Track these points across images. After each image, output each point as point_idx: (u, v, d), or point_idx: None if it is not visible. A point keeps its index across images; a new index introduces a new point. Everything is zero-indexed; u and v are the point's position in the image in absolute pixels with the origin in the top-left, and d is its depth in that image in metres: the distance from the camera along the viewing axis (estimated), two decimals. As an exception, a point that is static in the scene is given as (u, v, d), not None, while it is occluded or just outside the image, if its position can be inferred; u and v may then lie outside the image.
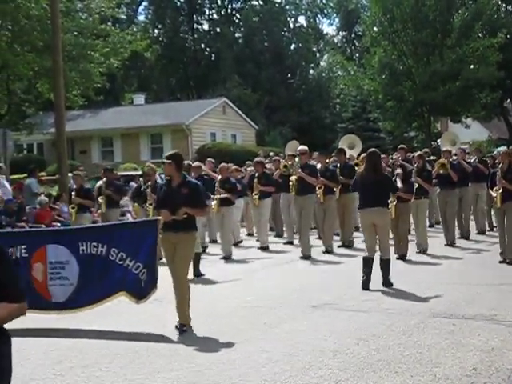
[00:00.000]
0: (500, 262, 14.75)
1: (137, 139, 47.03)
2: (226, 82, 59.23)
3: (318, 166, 18.10)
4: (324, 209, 17.79)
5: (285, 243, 19.76)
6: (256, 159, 20.24)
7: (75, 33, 30.83)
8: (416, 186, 16.64)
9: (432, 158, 23.14)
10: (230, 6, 72.80)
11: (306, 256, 16.59)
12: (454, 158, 19.62)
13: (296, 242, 18.78)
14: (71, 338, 9.65)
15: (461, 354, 8.05)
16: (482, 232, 20.14)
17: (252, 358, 8.20)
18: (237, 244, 19.96)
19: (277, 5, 69.47)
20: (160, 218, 10.06)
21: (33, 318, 9.16)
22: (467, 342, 8.51)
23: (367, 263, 12.27)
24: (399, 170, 16.56)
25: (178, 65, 70.08)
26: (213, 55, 69.83)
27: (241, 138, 50.41)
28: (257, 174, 19.48)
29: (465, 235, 19.27)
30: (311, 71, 69.04)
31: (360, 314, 10.30)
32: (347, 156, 19.97)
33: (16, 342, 9.29)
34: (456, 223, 18.92)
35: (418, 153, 18.52)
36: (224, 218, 17.74)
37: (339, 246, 18.22)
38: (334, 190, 18.01)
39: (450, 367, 7.56)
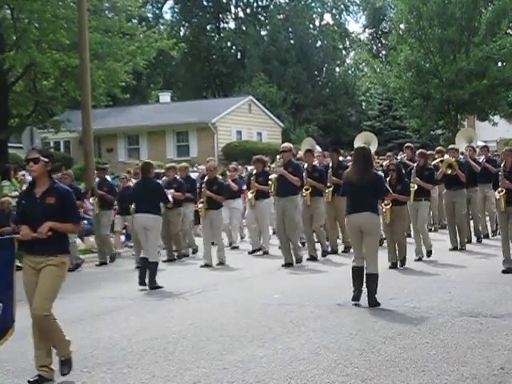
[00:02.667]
0: (503, 271, 13.29)
1: (163, 137, 47.18)
2: (251, 80, 59.21)
3: (305, 165, 16.81)
4: (311, 212, 16.58)
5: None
6: (256, 156, 18.63)
7: (101, 31, 30.93)
8: (415, 186, 15.56)
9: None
10: (255, 4, 72.78)
11: (299, 259, 15.59)
12: (461, 156, 18.41)
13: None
14: (96, 336, 9.71)
15: (488, 353, 8.00)
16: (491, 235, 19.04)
17: (278, 355, 8.21)
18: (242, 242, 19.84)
19: (302, 2, 69.35)
20: (18, 235, 7.65)
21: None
22: (495, 342, 8.46)
23: (356, 274, 10.97)
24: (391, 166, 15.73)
25: (203, 63, 70.17)
26: (238, 53, 69.84)
27: (267, 135, 50.43)
28: (254, 172, 18.01)
29: (470, 239, 18.12)
30: (337, 69, 68.84)
31: (386, 312, 10.28)
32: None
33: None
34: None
35: (420, 150, 17.07)
36: (213, 223, 16.64)
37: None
38: (324, 191, 16.95)
39: (478, 366, 7.52)
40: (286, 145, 16.37)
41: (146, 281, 13.56)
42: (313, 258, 16.22)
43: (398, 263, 14.54)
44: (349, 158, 20.52)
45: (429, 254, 15.65)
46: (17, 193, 21.37)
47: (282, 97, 58.67)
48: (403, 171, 15.29)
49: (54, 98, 33.34)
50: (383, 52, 73.40)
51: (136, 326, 10.13)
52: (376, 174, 11.46)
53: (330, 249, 17.21)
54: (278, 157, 16.07)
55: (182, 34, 70.47)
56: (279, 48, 63.18)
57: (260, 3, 72.69)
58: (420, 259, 15.36)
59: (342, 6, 73.73)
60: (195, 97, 62.82)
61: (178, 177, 18.42)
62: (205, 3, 71.87)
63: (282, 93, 58.77)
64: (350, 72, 68.75)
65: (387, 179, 14.29)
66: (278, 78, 61.01)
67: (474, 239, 18.48)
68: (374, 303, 10.70)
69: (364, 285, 10.95)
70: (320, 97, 63.72)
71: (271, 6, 70.09)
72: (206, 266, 16.23)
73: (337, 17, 73.05)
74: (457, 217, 17.18)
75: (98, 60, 29.69)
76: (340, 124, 61.26)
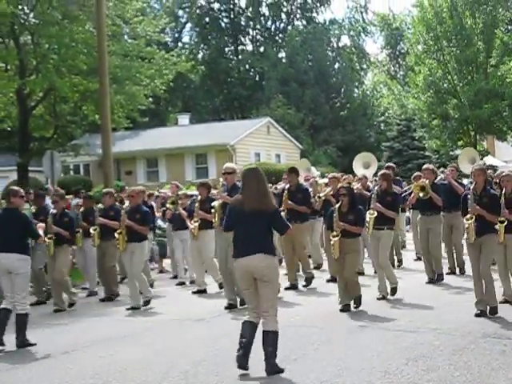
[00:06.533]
0: (477, 314, 11.15)
1: (181, 159, 47.30)
2: (270, 102, 59.36)
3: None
4: None
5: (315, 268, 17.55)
6: (201, 180, 16.50)
7: (120, 55, 31.15)
8: (375, 213, 13.46)
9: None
10: (273, 27, 73.18)
11: (243, 300, 12.52)
12: (442, 176, 16.56)
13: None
14: (117, 358, 9.72)
15: (512, 374, 7.94)
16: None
17: (300, 377, 8.18)
18: (183, 283, 17.41)
19: (320, 25, 69.62)
20: None
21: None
22: (518, 363, 8.40)
23: (247, 330, 8.60)
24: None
25: (222, 85, 70.50)
26: (257, 75, 70.14)
27: (285, 157, 50.45)
28: (199, 198, 15.43)
29: (454, 270, 16.10)
30: (355, 90, 68.93)
31: (408, 333, 10.20)
32: (360, 176, 17.68)
33: (65, 362, 9.41)
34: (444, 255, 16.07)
35: (382, 171, 14.74)
36: (134, 257, 14.15)
37: (303, 286, 15.25)
38: None
39: (502, 388, 7.48)
40: (230, 165, 13.62)
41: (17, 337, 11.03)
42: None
43: (352, 305, 12.38)
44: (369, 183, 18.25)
45: (393, 291, 13.41)
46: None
47: (301, 118, 58.75)
48: (356, 196, 13.18)
49: (74, 121, 33.62)
50: (401, 73, 73.45)
51: (157, 348, 10.13)
52: (272, 204, 8.83)
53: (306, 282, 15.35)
54: (221, 180, 13.76)
55: (200, 56, 70.88)
56: (297, 70, 63.33)
57: (278, 25, 73.05)
58: (384, 298, 13.21)
59: (360, 28, 73.97)
60: (214, 119, 63.06)
61: (141, 203, 15.42)
62: (223, 26, 72.36)
63: (300, 114, 58.88)
64: (368, 93, 68.78)
65: (337, 205, 12.68)
66: (296, 100, 61.12)
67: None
68: (274, 370, 8.45)
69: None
70: (338, 118, 63.79)
71: (289, 29, 70.39)
72: (133, 309, 13.97)
73: (354, 38, 73.26)
74: (431, 245, 15.23)
75: (116, 84, 29.87)
76: (359, 145, 61.07)
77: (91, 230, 15.77)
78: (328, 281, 15.45)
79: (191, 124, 55.46)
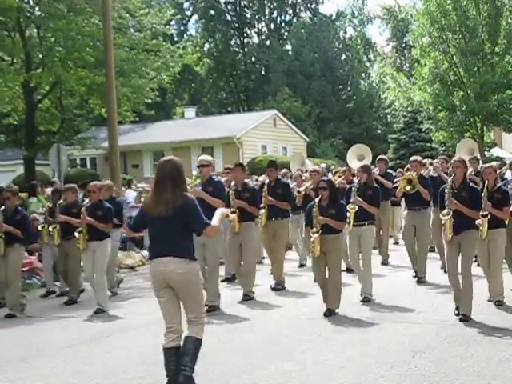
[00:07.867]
0: (461, 319, 10.23)
1: (188, 152, 47.19)
2: (276, 95, 59.35)
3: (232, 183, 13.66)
4: (240, 241, 13.17)
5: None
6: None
7: (126, 48, 31.11)
8: (355, 208, 12.45)
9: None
10: (278, 19, 73.14)
11: (215, 307, 11.92)
12: (430, 168, 15.90)
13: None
14: (124, 352, 9.72)
15: (519, 366, 7.92)
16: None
17: (307, 369, 8.18)
18: None
19: (325, 16, 69.54)
20: None
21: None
22: (526, 354, 8.38)
23: (170, 360, 7.39)
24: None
25: (228, 78, 70.61)
26: (263, 68, 70.15)
27: (292, 150, 50.38)
28: None
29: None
30: (362, 82, 68.88)
31: (415, 325, 10.19)
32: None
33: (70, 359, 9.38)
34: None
35: (363, 164, 14.01)
36: (96, 256, 13.14)
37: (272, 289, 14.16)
38: (257, 214, 13.77)
39: (509, 380, 7.46)
40: (205, 157, 12.86)
41: None
42: (249, 298, 13.12)
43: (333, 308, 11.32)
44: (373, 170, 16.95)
45: (365, 300, 12.20)
46: (44, 209, 21.51)
47: (307, 111, 58.74)
48: (337, 190, 12.23)
49: (80, 115, 33.63)
50: (407, 65, 73.32)
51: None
52: (189, 200, 7.59)
53: (275, 285, 14.22)
54: (194, 173, 12.64)
55: (206, 49, 70.98)
56: (303, 62, 63.30)
57: (283, 18, 73.02)
58: (368, 300, 12.19)
59: (363, 16, 74.05)
60: (220, 112, 63.09)
61: (102, 200, 13.99)
62: (229, 18, 72.37)
63: (306, 107, 58.86)
64: (374, 85, 68.75)
65: (316, 200, 11.54)
66: (303, 92, 61.12)
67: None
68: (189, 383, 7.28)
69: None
70: (345, 110, 63.77)
71: (294, 21, 70.35)
72: (99, 311, 12.81)
73: (358, 28, 73.26)
74: (418, 245, 14.10)
75: (123, 77, 29.84)
76: (365, 137, 61.17)
77: (50, 229, 14.76)
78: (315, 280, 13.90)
79: (197, 117, 55.49)
